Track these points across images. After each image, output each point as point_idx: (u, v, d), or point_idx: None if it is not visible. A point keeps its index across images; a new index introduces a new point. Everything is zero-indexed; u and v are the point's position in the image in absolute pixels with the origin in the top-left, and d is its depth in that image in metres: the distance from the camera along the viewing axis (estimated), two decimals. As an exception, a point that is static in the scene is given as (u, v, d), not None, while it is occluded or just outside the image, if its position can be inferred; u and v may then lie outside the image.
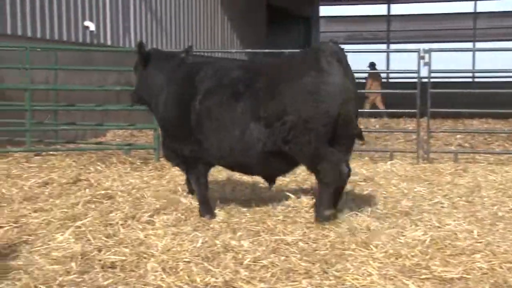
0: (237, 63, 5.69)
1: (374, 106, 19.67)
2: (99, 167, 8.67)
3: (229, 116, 5.23)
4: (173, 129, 5.60)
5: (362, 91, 19.10)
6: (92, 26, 14.05)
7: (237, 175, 8.11)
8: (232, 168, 5.66)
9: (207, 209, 5.64)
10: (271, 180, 5.74)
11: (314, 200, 5.95)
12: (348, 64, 5.13)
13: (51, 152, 10.07)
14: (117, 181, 7.53)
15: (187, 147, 5.51)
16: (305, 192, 6.63)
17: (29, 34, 12.32)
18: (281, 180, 7.75)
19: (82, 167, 8.80)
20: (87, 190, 6.98)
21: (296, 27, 29.30)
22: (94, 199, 6.38)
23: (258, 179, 7.73)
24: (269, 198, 6.36)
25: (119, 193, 6.69)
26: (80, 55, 12.96)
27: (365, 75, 19.90)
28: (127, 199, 6.40)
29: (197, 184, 5.69)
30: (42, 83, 11.84)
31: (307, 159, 5.14)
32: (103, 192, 6.71)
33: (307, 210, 5.70)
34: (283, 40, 25.83)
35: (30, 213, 5.80)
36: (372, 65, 20.61)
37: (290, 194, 6.28)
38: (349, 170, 5.31)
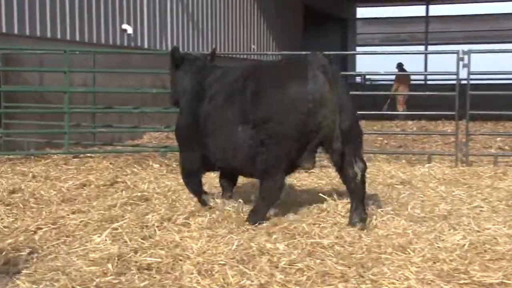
0: (242, 66, 5.93)
1: (406, 107, 19.55)
2: (135, 169, 8.75)
3: (224, 118, 5.48)
4: (188, 131, 5.86)
5: (389, 93, 19.01)
6: (129, 29, 14.21)
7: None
8: (232, 170, 5.80)
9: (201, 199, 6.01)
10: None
11: (350, 203, 5.93)
12: (337, 78, 5.16)
13: (88, 154, 10.21)
14: (153, 183, 7.60)
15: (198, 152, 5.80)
16: (341, 195, 6.59)
17: (68, 37, 12.52)
18: (316, 183, 7.73)
19: (119, 169, 8.90)
20: (123, 192, 7.06)
21: (333, 29, 29.18)
22: (130, 201, 6.45)
23: (293, 183, 7.71)
24: (305, 201, 6.33)
25: (155, 195, 6.75)
26: (118, 58, 13.12)
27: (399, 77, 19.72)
28: (163, 201, 6.44)
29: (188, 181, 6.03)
30: (80, 86, 12.03)
31: (263, 164, 5.28)
32: (139, 194, 6.77)
33: (343, 214, 5.66)
34: (319, 43, 25.77)
35: (68, 215, 5.88)
36: (400, 66, 20.44)
37: (326, 197, 6.25)
38: (363, 167, 5.33)
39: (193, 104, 5.83)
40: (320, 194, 6.50)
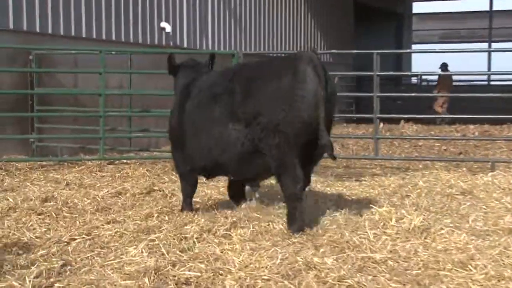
0: (232, 67, 6.47)
1: (444, 110, 19.35)
2: (173, 177, 8.82)
3: (211, 117, 5.91)
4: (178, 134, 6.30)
5: (432, 95, 18.80)
6: (168, 28, 14.34)
7: (317, 188, 8.07)
8: (214, 170, 6.19)
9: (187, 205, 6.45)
10: (254, 183, 6.31)
11: (403, 214, 5.85)
12: (326, 74, 5.50)
13: (124, 161, 10.34)
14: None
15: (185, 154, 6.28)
16: (394, 205, 6.52)
17: (103, 36, 12.70)
18: (367, 192, 7.66)
19: (156, 176, 8.99)
20: (161, 201, 7.12)
21: (386, 25, 28.96)
22: (168, 211, 6.50)
23: (343, 193, 7.67)
24: (355, 211, 6.29)
25: (194, 204, 6.79)
26: (155, 58, 13.26)
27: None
28: (202, 211, 6.48)
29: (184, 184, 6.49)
30: (116, 88, 12.18)
31: (274, 163, 5.58)
32: (177, 203, 6.82)
33: (397, 226, 5.60)
34: (371, 40, 25.60)
35: (102, 225, 5.96)
36: (444, 66, 20.21)
37: (377, 208, 6.19)
38: (308, 182, 5.80)
39: (179, 106, 6.34)
40: (372, 205, 6.44)
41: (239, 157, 5.76)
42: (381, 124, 15.62)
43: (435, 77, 25.46)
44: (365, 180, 8.70)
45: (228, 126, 5.76)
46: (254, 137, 5.63)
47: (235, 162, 5.83)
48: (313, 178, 8.77)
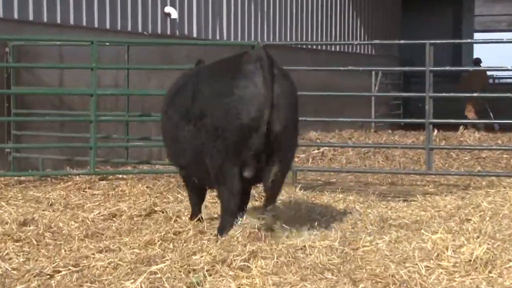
0: (199, 67, 7.27)
1: (479, 112, 19.26)
2: (179, 195, 8.82)
3: (173, 123, 6.73)
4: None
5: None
6: (174, 13, 14.37)
7: (356, 209, 8.04)
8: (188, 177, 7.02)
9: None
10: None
11: (463, 242, 5.81)
12: (275, 73, 6.07)
13: (120, 176, 10.36)
14: (202, 213, 7.64)
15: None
16: (451, 232, 6.47)
17: (96, 24, 12.76)
18: (418, 215, 7.60)
19: (158, 195, 9.00)
20: (164, 224, 7.12)
21: (442, 10, 28.82)
22: (173, 237, 6.50)
23: (387, 215, 7.63)
24: (402, 238, 6.26)
25: (205, 229, 6.78)
26: (158, 51, 13.29)
27: None
28: (215, 237, 6.48)
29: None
30: (111, 87, 12.23)
31: (212, 171, 6.28)
32: (184, 227, 6.82)
33: (455, 257, 5.56)
34: (424, 28, 25.51)
35: (93, 254, 5.97)
36: (477, 62, 20.13)
37: (430, 235, 6.15)
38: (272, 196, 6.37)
39: (163, 110, 7.23)
40: (423, 231, 6.41)
41: (197, 163, 6.45)
42: (435, 131, 15.56)
43: (504, 73, 25.34)
44: (414, 200, 8.65)
45: (185, 128, 6.50)
46: (201, 141, 6.33)
47: (197, 169, 6.55)
48: (351, 197, 8.78)
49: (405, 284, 4.97)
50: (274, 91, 6.02)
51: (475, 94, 13.13)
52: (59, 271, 5.48)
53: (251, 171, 6.23)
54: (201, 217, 7.23)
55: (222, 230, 6.34)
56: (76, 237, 6.64)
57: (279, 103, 6.07)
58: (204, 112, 6.29)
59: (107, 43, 11.35)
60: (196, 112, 6.37)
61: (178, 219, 7.41)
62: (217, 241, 6.15)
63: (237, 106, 6.06)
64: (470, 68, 19.64)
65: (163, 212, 7.79)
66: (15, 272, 5.49)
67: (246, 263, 5.53)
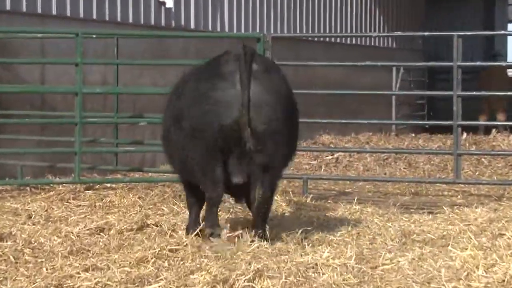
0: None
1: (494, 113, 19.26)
2: (175, 207, 8.83)
3: (166, 126, 7.25)
4: None
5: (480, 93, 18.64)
6: (169, 2, 14.39)
7: (375, 222, 8.03)
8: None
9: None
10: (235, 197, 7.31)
11: (495, 260, 5.80)
12: (260, 69, 6.55)
13: (108, 185, 10.37)
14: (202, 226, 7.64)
15: None
16: (482, 248, 6.46)
17: (81, 15, 12.78)
18: (445, 230, 7.59)
19: (151, 206, 9.00)
20: (158, 240, 7.12)
21: (470, 1, 28.79)
22: (168, 254, 6.49)
23: (410, 230, 7.62)
24: (427, 257, 6.25)
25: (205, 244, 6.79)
26: (151, 44, 13.31)
27: None
28: (215, 253, 6.47)
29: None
30: (97, 85, 12.24)
31: (195, 171, 6.78)
32: (181, 242, 6.83)
33: (486, 276, 5.55)
34: (451, 18, 25.47)
35: (78, 273, 5.96)
36: (495, 56, 20.07)
37: (459, 252, 6.14)
38: (262, 195, 6.65)
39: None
40: (451, 248, 6.40)
41: (182, 164, 7.01)
42: (464, 135, 15.53)
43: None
44: (441, 213, 8.65)
45: (171, 130, 7.03)
46: (184, 145, 6.82)
47: (182, 169, 7.11)
48: (369, 209, 8.78)
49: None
50: (251, 90, 6.41)
51: (510, 93, 13.09)
52: (40, 292, 5.48)
53: (240, 177, 6.64)
54: (200, 231, 7.25)
55: (207, 220, 6.85)
56: (59, 254, 6.63)
57: (258, 102, 6.46)
58: (185, 115, 6.77)
59: (94, 35, 11.37)
60: (179, 115, 6.85)
61: (174, 233, 7.40)
62: (218, 259, 6.16)
63: (213, 109, 6.53)
64: (504, 63, 19.62)
65: (157, 226, 7.79)
66: (-10, 293, 5.49)
67: (250, 283, 5.53)
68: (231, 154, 6.59)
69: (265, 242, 6.61)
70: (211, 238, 6.76)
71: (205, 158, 6.65)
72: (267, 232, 6.85)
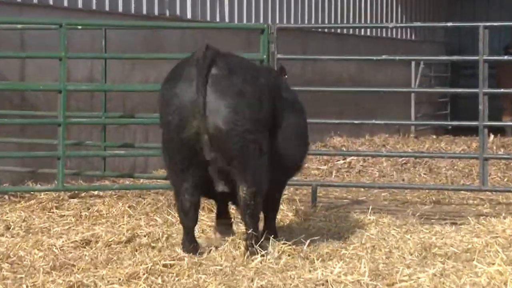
0: None
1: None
2: (169, 217, 8.83)
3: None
4: None
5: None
6: (163, -11, 14.40)
7: (391, 234, 8.03)
8: None
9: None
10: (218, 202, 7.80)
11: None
12: (221, 73, 6.93)
13: (95, 192, 10.37)
14: (200, 238, 7.64)
15: None
16: (511, 263, 6.47)
17: (65, 3, 12.78)
18: (469, 243, 7.59)
19: (142, 216, 9.00)
20: (150, 253, 7.12)
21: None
22: (162, 269, 6.50)
23: (431, 242, 7.63)
24: (450, 273, 6.25)
25: (203, 260, 6.80)
26: (143, 36, 13.30)
27: None
28: (216, 269, 6.48)
29: None
30: (83, 81, 12.25)
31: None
32: (176, 256, 6.83)
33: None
34: (477, 8, 25.43)
35: (61, 290, 5.98)
36: (507, 49, 20.07)
37: (485, 267, 6.14)
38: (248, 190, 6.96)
39: None
40: (476, 262, 6.40)
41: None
42: (491, 137, 15.53)
43: None
44: (465, 223, 8.64)
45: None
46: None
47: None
48: (385, 220, 8.78)
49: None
50: (208, 96, 6.83)
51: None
52: (19, 312, 5.50)
53: (224, 185, 7.09)
54: (196, 244, 7.28)
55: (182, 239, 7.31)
56: (41, 269, 6.63)
57: (218, 106, 6.87)
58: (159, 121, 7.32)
59: (79, 27, 11.35)
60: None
61: (169, 246, 7.41)
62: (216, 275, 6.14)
63: (174, 116, 6.97)
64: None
65: (148, 237, 7.79)
66: (-36, 313, 5.50)
67: (253, 302, 5.54)
68: (206, 164, 6.98)
69: (256, 246, 6.88)
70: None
71: (171, 168, 7.22)
72: (259, 235, 7.10)
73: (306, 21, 17.95)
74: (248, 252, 6.89)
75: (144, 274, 6.35)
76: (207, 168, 7.00)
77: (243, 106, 6.94)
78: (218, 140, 6.87)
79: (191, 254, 7.00)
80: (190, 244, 7.16)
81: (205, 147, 6.87)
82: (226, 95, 6.91)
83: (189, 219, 7.13)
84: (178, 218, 7.39)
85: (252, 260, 6.57)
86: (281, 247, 7.05)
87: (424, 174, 13.33)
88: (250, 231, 7.03)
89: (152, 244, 7.57)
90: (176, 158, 7.06)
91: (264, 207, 7.39)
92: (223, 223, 7.84)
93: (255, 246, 6.89)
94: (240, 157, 6.93)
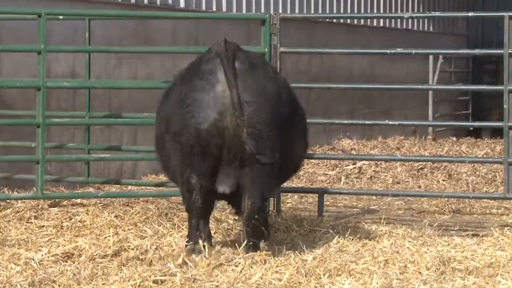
0: None
1: None
2: (160, 227, 8.85)
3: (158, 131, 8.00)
4: None
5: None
6: (152, -25, 14.42)
7: (406, 246, 8.06)
8: None
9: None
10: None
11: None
12: (243, 67, 7.28)
13: (78, 201, 10.38)
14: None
15: None
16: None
17: (44, -10, 12.81)
18: (493, 257, 7.61)
19: (131, 227, 9.02)
20: (139, 268, 7.14)
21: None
22: (151, 285, 6.52)
23: (450, 256, 7.65)
24: (475, 287, 6.28)
25: (197, 276, 6.82)
26: (132, 27, 13.32)
27: None
28: (212, 285, 6.49)
29: None
30: (65, 78, 12.26)
31: (172, 179, 7.92)
32: (167, 272, 6.85)
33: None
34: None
35: (40, 309, 6.01)
36: None
37: (510, 283, 6.17)
38: (252, 204, 7.31)
39: None
40: (500, 278, 6.41)
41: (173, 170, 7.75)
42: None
43: None
44: (488, 235, 8.66)
45: (165, 137, 7.70)
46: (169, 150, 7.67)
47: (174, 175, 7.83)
48: (399, 231, 8.80)
49: None
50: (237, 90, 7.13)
51: None
52: (-6, 333, 5.52)
53: (226, 186, 7.38)
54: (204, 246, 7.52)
55: (189, 236, 7.65)
56: (18, 285, 6.66)
57: (243, 103, 7.16)
58: (167, 118, 7.63)
59: (61, 17, 11.36)
60: (164, 118, 7.72)
61: (160, 259, 7.43)
62: None
63: (193, 111, 7.28)
64: None
65: (136, 250, 7.81)
66: None
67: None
68: (215, 162, 7.31)
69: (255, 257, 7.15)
70: (192, 255, 7.34)
71: (181, 164, 7.46)
72: (260, 247, 7.39)
73: (312, 11, 17.94)
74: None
75: (132, 292, 6.38)
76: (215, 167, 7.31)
77: (265, 103, 7.32)
78: (243, 136, 7.19)
79: (205, 241, 7.39)
80: (203, 230, 7.52)
81: (244, 139, 7.15)
82: (256, 90, 7.31)
83: (196, 222, 7.48)
84: (188, 209, 7.57)
85: (252, 276, 6.58)
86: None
87: (443, 180, 13.34)
88: (250, 243, 7.34)
89: (141, 258, 7.59)
90: (190, 153, 7.31)
91: None
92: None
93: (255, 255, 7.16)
94: (261, 158, 7.27)
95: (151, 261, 7.47)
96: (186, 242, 7.64)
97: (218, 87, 7.24)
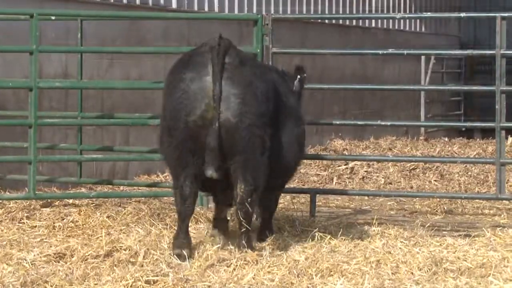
0: None
1: None
2: (152, 228, 8.84)
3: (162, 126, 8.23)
4: None
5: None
6: (144, -25, 14.41)
7: (398, 247, 8.07)
8: None
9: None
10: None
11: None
12: (233, 62, 7.59)
13: (70, 201, 10.36)
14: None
15: None
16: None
17: (37, -9, 12.78)
18: (485, 257, 7.62)
19: (123, 227, 9.01)
20: (131, 269, 7.14)
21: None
22: (144, 286, 6.52)
23: (442, 256, 7.66)
24: (467, 287, 6.29)
25: (191, 277, 6.82)
26: (124, 28, 13.30)
27: None
28: (204, 285, 6.49)
29: None
30: (57, 78, 12.23)
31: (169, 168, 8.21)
32: (160, 272, 6.85)
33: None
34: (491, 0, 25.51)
35: (33, 309, 6.00)
36: None
37: (502, 284, 6.17)
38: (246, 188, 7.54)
39: None
40: (492, 279, 6.42)
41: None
42: (509, 139, 15.54)
43: None
44: (480, 236, 8.67)
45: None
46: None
47: None
48: (391, 231, 8.81)
49: None
50: (223, 83, 7.48)
51: None
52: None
53: (214, 171, 7.61)
54: (188, 240, 7.81)
55: (174, 238, 7.83)
56: (10, 285, 6.65)
57: (229, 96, 7.51)
58: (163, 111, 7.91)
59: (53, 17, 11.35)
60: (161, 112, 8.02)
61: (152, 261, 7.42)
62: None
63: (182, 102, 7.58)
64: None
65: (128, 251, 7.80)
66: None
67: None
68: (204, 151, 7.56)
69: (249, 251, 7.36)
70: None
71: (173, 155, 7.73)
72: (254, 242, 7.68)
73: (304, 11, 17.95)
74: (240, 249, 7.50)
75: (124, 292, 6.37)
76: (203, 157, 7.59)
77: (251, 98, 7.60)
78: (226, 129, 7.50)
79: (182, 250, 7.54)
80: (184, 238, 7.71)
81: (211, 133, 7.45)
82: (239, 84, 7.59)
83: (187, 207, 7.68)
84: (176, 208, 7.82)
85: (244, 276, 6.58)
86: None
87: (435, 181, 13.35)
88: (243, 230, 7.57)
89: (133, 259, 7.58)
90: (180, 143, 7.59)
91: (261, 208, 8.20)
92: (220, 223, 8.35)
93: (246, 245, 7.44)
94: (244, 151, 7.57)
95: (143, 261, 7.46)
96: (173, 246, 7.73)
97: (204, 80, 7.55)
